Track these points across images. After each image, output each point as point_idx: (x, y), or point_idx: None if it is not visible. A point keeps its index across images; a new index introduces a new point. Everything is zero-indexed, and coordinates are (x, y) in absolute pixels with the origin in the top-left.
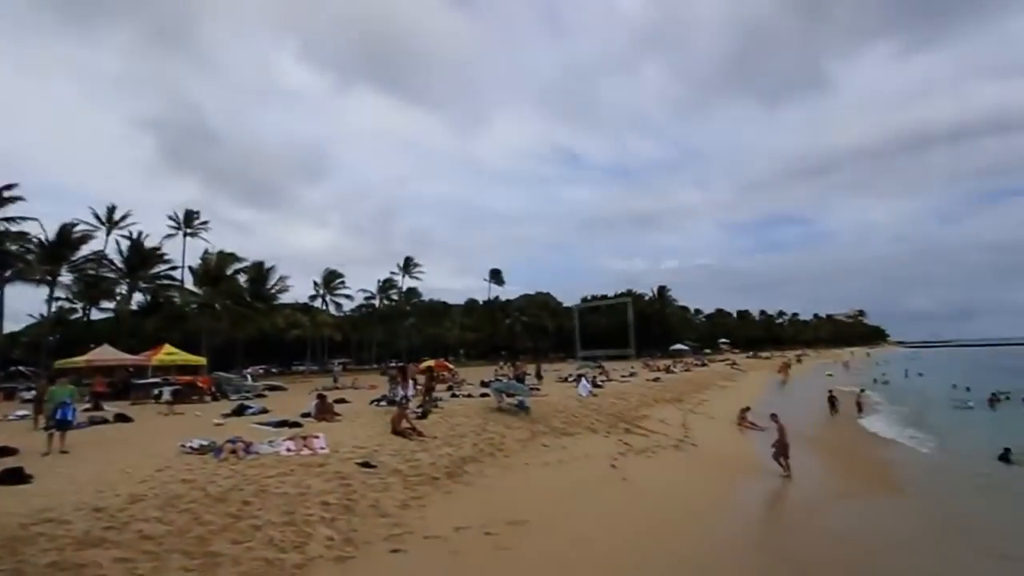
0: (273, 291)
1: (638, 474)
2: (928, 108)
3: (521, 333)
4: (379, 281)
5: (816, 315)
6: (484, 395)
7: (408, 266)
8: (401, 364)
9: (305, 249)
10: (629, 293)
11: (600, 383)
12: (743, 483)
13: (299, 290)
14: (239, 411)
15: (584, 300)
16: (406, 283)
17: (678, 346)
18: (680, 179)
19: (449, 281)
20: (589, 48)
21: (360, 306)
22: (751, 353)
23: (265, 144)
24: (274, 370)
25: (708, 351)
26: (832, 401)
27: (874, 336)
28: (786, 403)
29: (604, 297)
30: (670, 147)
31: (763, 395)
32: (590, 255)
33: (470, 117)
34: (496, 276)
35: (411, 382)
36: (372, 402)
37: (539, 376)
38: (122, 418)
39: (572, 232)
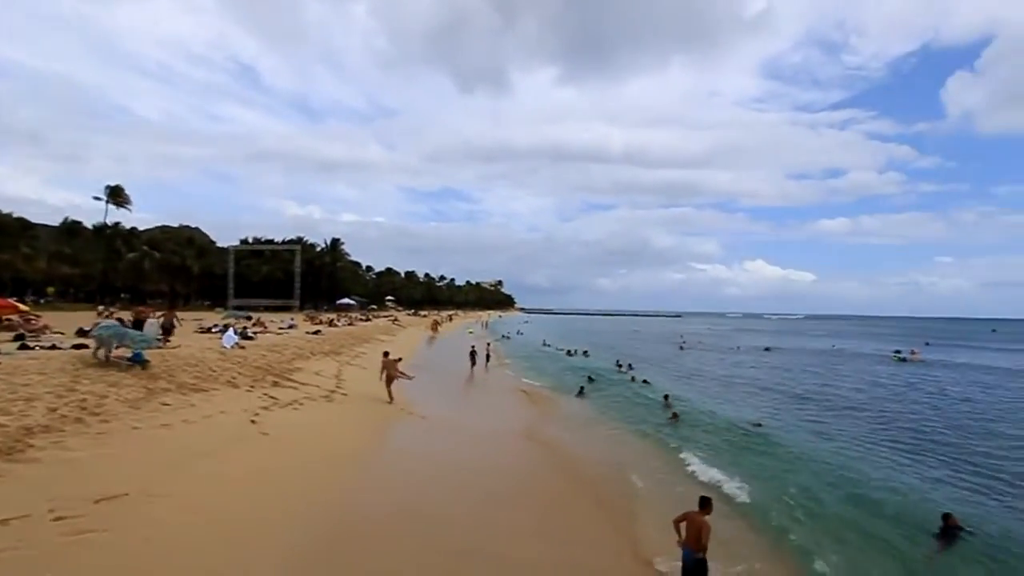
0: None
1: (282, 427)
2: (566, 131)
3: (152, 272)
4: None
5: (468, 281)
6: (81, 346)
7: None
8: None
9: None
10: (299, 241)
11: (252, 335)
12: (388, 428)
13: None
14: None
15: (244, 242)
16: None
17: (346, 300)
18: (369, 134)
19: (40, 191)
20: None
21: None
22: (413, 311)
23: None
24: None
25: (375, 307)
26: (472, 356)
27: (507, 302)
28: (434, 354)
29: (270, 242)
30: (364, 99)
31: (417, 348)
32: (260, 193)
33: None
34: (117, 195)
35: None
36: None
37: (167, 329)
38: None
39: (239, 163)
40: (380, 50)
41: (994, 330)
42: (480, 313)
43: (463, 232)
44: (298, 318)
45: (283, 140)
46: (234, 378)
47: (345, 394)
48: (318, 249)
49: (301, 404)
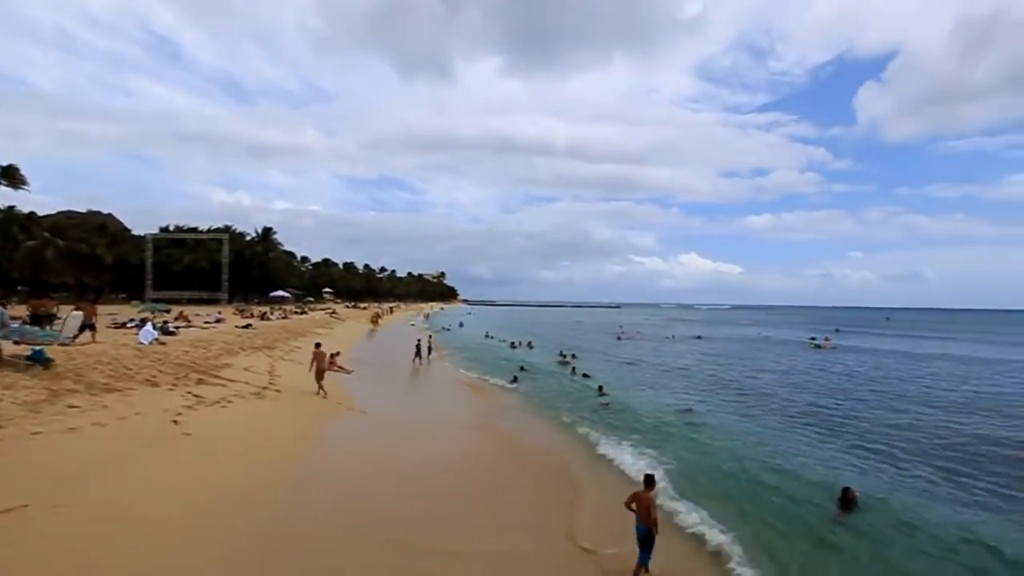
0: None
1: (208, 427)
2: (510, 123)
3: (55, 262)
4: None
5: (409, 273)
6: None
7: None
8: None
9: None
10: (227, 229)
11: (173, 330)
12: (326, 423)
13: None
14: None
15: (165, 230)
16: None
17: (279, 293)
18: (305, 118)
19: None
20: None
21: None
22: (352, 304)
23: None
24: None
25: (311, 300)
26: (418, 348)
27: (449, 294)
28: (375, 347)
29: (194, 230)
30: (299, 81)
31: (356, 341)
32: (183, 178)
33: None
34: (11, 176)
35: None
36: None
37: (90, 325)
38: None
39: (158, 144)
40: (316, 30)
41: (888, 318)
42: (422, 305)
43: (404, 222)
44: (226, 311)
45: (209, 122)
46: (153, 376)
47: (279, 390)
48: (248, 238)
49: (230, 402)
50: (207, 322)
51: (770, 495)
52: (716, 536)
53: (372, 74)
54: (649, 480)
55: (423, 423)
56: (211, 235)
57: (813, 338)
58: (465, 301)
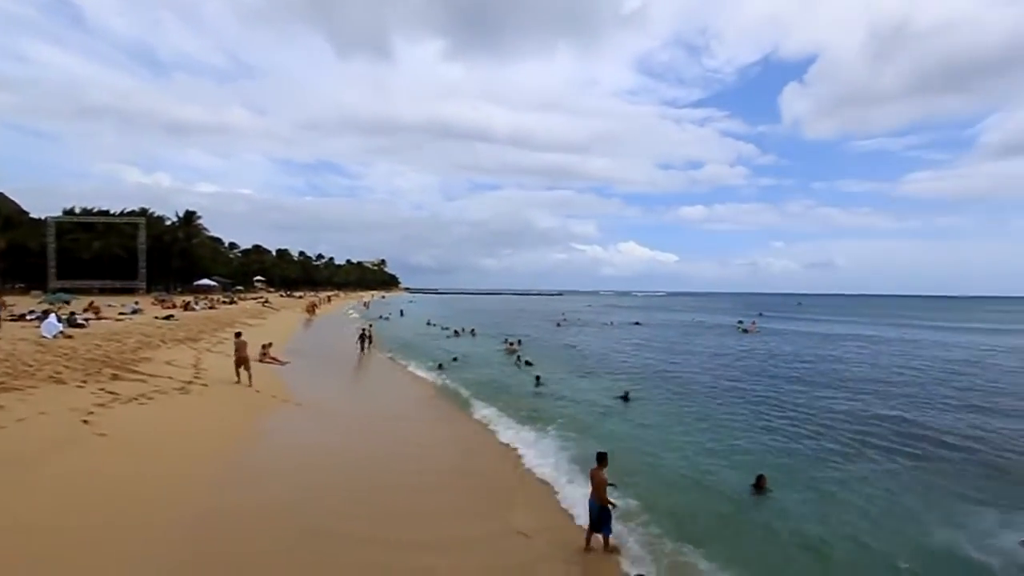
0: None
1: (125, 426)
2: (453, 108)
3: None
4: None
5: (348, 260)
6: None
7: None
8: None
9: None
10: (143, 213)
11: (82, 322)
12: (257, 418)
13: None
14: None
15: (69, 213)
16: None
17: (205, 281)
18: (232, 95)
19: None
20: None
21: None
22: (287, 292)
23: None
24: None
25: (240, 288)
26: (362, 339)
27: (391, 282)
28: (312, 338)
29: (105, 213)
30: (225, 55)
31: (291, 332)
32: (91, 156)
33: None
34: None
35: None
36: None
37: None
38: None
39: (60, 118)
40: (243, 1)
41: (800, 303)
42: (362, 294)
43: (343, 208)
44: (144, 302)
45: (119, 94)
46: (59, 373)
47: (206, 384)
48: (168, 223)
49: (150, 398)
50: (122, 313)
51: (688, 477)
52: (641, 519)
53: (307, 51)
54: (601, 458)
55: (358, 414)
56: (125, 219)
57: (740, 322)
58: (407, 290)
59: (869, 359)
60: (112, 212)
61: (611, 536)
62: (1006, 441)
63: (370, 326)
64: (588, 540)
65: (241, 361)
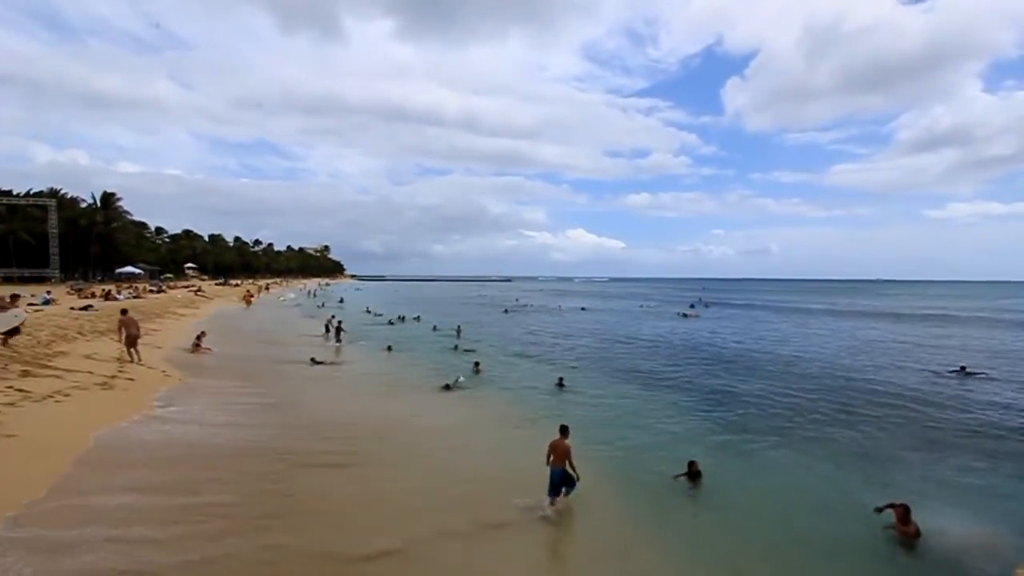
0: None
1: (37, 426)
2: (402, 89)
3: None
4: None
5: (289, 246)
6: None
7: None
8: None
9: None
10: (53, 194)
11: None
12: (172, 407)
13: None
14: None
15: None
16: None
17: (129, 268)
18: (157, 66)
19: None
20: None
21: None
22: (221, 280)
23: None
24: None
25: (170, 276)
26: (327, 327)
27: (335, 269)
28: (250, 325)
29: (8, 193)
30: (146, 22)
31: (226, 321)
32: None
33: None
34: None
35: None
36: None
37: None
38: None
39: None
40: None
41: (704, 288)
42: (305, 281)
43: (284, 192)
44: (58, 291)
45: (23, 61)
46: None
47: (132, 379)
48: (84, 205)
49: (67, 395)
50: (31, 304)
51: (621, 463)
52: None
53: (245, 24)
54: (563, 430)
55: (274, 401)
56: (32, 200)
57: (693, 305)
58: (353, 277)
59: (801, 340)
60: (17, 193)
61: (568, 495)
62: (886, 416)
63: (333, 316)
64: (553, 503)
65: (132, 339)
